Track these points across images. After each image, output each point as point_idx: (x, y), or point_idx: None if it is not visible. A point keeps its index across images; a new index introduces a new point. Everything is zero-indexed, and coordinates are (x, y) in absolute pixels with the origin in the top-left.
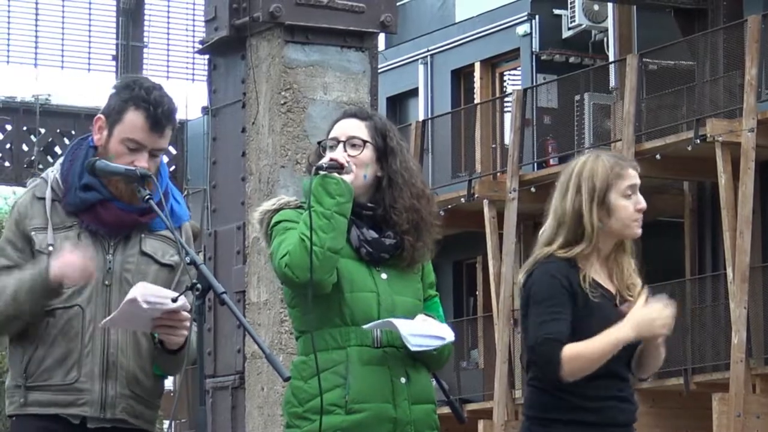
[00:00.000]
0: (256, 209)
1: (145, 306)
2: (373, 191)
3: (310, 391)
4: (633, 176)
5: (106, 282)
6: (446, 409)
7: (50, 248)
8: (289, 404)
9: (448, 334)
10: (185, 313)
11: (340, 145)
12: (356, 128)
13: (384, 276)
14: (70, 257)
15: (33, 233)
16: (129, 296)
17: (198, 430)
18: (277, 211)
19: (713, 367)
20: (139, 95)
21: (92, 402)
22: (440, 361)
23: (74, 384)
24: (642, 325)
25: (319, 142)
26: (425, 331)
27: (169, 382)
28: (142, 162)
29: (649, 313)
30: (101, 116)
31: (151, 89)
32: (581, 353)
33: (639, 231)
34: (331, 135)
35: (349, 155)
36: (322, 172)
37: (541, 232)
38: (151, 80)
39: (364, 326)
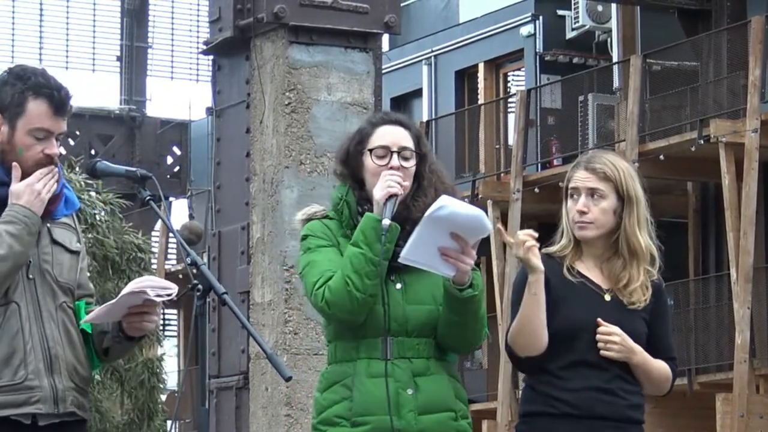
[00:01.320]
0: (296, 216)
1: (158, 300)
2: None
3: (323, 403)
4: (577, 179)
5: (30, 275)
6: None
7: None
8: (312, 416)
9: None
10: (159, 299)
11: (395, 156)
12: (405, 138)
13: (398, 286)
14: (29, 185)
15: None
16: (133, 288)
17: (199, 431)
18: (307, 221)
19: (717, 367)
20: (38, 82)
21: (45, 398)
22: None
23: (24, 382)
24: (515, 250)
25: (363, 148)
26: (430, 259)
27: (173, 383)
28: (53, 149)
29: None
30: None
31: (46, 74)
32: (512, 326)
33: (580, 233)
34: (381, 143)
35: (402, 166)
36: (385, 223)
37: None
38: (36, 67)
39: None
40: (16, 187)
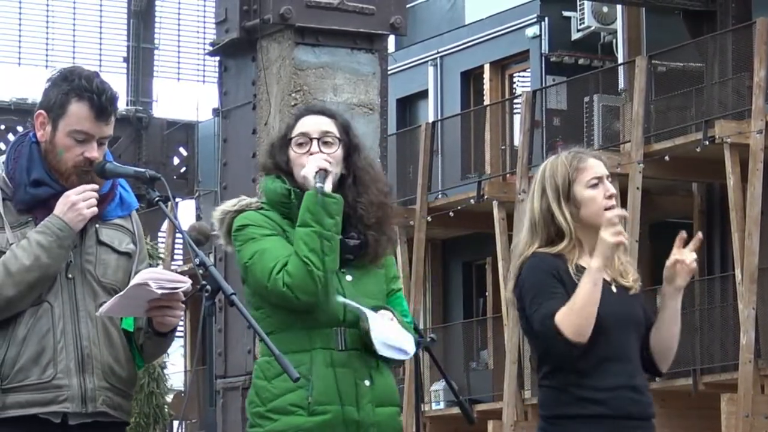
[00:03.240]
0: (216, 208)
1: (159, 292)
2: (335, 189)
3: (273, 391)
4: (595, 166)
5: (69, 275)
6: (456, 410)
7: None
8: (252, 404)
9: (410, 348)
10: (181, 293)
11: (314, 143)
12: (328, 124)
13: (349, 278)
14: (66, 196)
15: None
16: (137, 281)
17: (208, 431)
18: (238, 212)
19: (722, 367)
20: (81, 85)
21: (73, 397)
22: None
23: (52, 381)
24: (598, 247)
25: (284, 137)
26: (393, 342)
27: (179, 383)
28: (92, 152)
29: (601, 235)
30: (42, 111)
31: (91, 78)
32: (567, 307)
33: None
34: (301, 130)
35: (322, 152)
36: (318, 186)
37: (514, 243)
38: (87, 69)
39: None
40: (61, 198)
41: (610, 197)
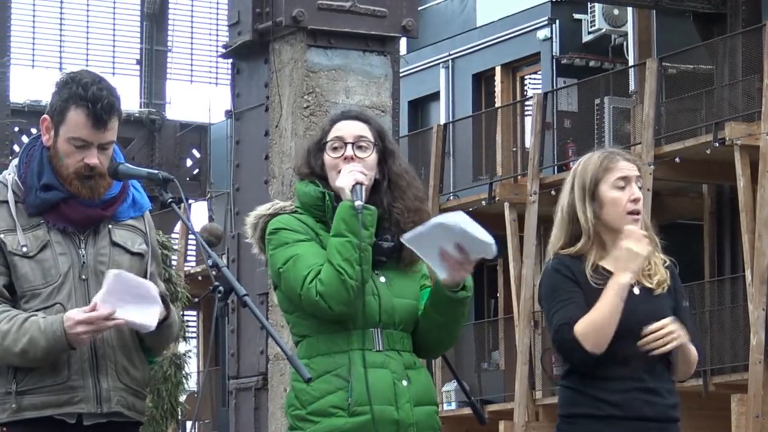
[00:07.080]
0: (250, 213)
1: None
2: (370, 193)
3: (313, 394)
4: (625, 168)
5: (83, 276)
6: (467, 410)
7: (23, 249)
8: (292, 407)
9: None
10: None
11: (349, 147)
12: (362, 129)
13: (383, 280)
14: (80, 320)
15: (2, 236)
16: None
17: (220, 431)
18: (272, 216)
19: (732, 368)
20: (78, 93)
21: (87, 398)
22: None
23: (66, 382)
24: (624, 259)
25: (319, 142)
26: (429, 254)
27: (192, 383)
28: (92, 159)
29: (627, 247)
30: (46, 117)
31: (88, 85)
32: (590, 320)
33: (637, 224)
34: (335, 134)
35: (357, 156)
36: (358, 204)
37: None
38: (90, 74)
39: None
40: (74, 312)
41: (634, 201)
